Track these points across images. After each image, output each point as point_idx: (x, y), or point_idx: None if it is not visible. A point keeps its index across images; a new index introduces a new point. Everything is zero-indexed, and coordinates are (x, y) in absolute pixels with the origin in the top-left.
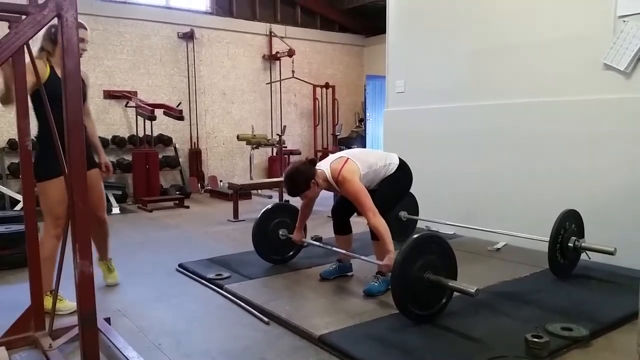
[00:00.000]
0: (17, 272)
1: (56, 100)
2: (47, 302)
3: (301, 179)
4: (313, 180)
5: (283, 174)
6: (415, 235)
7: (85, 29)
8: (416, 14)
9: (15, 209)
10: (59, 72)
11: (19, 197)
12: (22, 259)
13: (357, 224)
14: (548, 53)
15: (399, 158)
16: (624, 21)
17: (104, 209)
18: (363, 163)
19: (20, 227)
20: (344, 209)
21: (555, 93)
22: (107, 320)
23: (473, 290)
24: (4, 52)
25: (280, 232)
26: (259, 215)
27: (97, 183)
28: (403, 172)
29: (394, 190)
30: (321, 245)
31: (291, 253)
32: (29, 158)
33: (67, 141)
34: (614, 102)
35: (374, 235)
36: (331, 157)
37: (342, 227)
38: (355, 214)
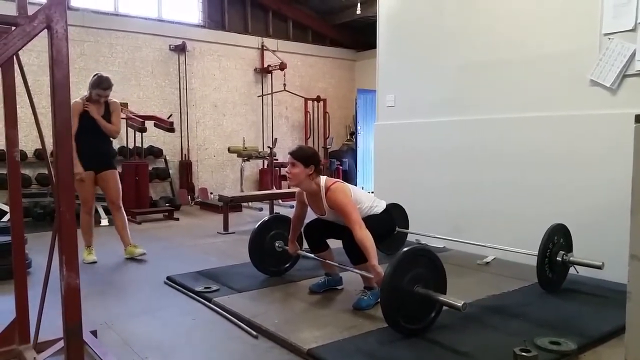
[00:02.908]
0: (1, 284)
1: (87, 127)
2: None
3: (309, 154)
4: (313, 166)
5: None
6: (405, 249)
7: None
8: (406, 30)
9: (2, 220)
10: (92, 113)
11: (6, 208)
12: (8, 271)
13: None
14: (536, 69)
15: (387, 205)
16: (609, 39)
17: (118, 197)
18: (353, 194)
19: (6, 238)
20: (320, 229)
21: (542, 108)
22: (94, 333)
23: (460, 304)
24: None
25: (277, 244)
26: (256, 227)
27: (114, 178)
28: (387, 215)
29: (374, 228)
30: (315, 257)
31: (287, 265)
32: (16, 169)
33: (55, 152)
34: (600, 117)
35: (354, 259)
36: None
37: (318, 244)
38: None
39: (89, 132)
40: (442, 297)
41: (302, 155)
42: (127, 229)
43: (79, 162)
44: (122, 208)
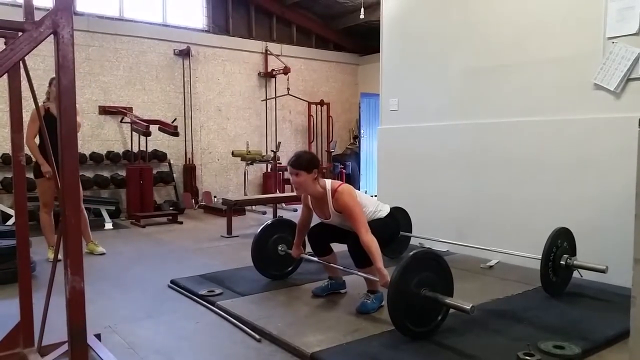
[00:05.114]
0: (6, 287)
1: (50, 129)
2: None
3: (309, 159)
4: (316, 170)
5: (292, 155)
6: (413, 252)
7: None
8: (409, 34)
9: (7, 224)
10: (52, 111)
11: (12, 212)
12: (12, 275)
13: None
14: (539, 73)
15: (391, 209)
16: (613, 42)
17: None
18: (359, 197)
19: (11, 242)
20: (323, 233)
21: (546, 112)
22: (97, 336)
23: (468, 307)
24: (0, 67)
25: (280, 248)
26: (258, 231)
27: None
28: (392, 219)
29: (378, 232)
30: (319, 260)
31: (290, 268)
32: (22, 173)
33: (61, 155)
34: (604, 121)
35: (359, 262)
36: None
37: (322, 249)
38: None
39: (52, 132)
40: (450, 300)
41: (303, 163)
42: (88, 228)
43: (45, 161)
44: (83, 209)
